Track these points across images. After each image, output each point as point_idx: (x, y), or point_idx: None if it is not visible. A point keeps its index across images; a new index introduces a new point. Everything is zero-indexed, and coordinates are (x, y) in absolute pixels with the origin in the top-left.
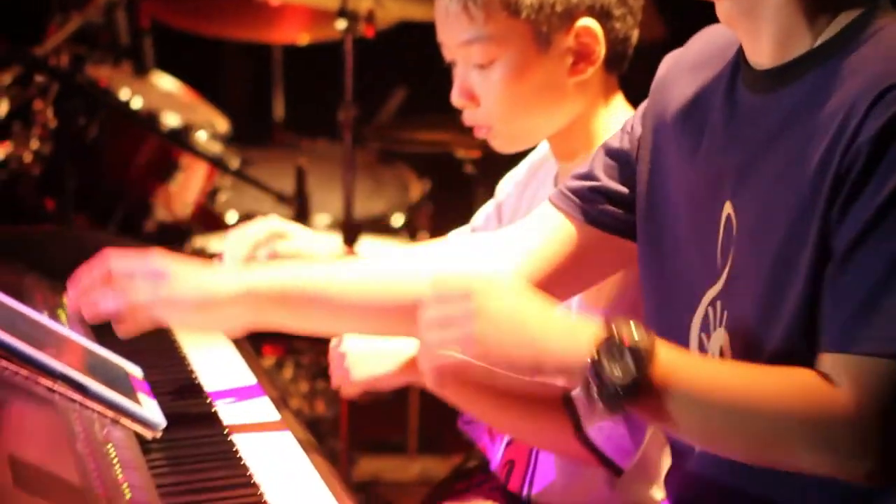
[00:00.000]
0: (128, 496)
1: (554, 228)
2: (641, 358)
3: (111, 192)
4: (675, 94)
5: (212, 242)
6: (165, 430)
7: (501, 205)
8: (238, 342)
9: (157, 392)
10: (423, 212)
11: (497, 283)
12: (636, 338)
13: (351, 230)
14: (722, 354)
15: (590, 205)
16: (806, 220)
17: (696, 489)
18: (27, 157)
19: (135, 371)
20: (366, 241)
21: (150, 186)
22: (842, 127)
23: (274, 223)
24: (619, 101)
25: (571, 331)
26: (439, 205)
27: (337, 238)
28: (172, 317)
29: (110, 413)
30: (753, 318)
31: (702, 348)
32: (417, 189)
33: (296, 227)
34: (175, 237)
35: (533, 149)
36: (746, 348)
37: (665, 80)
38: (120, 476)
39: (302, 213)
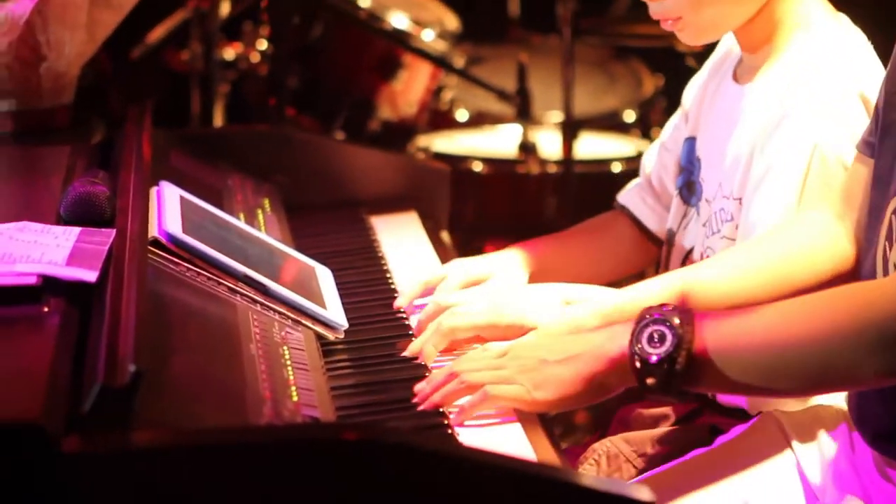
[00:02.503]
0: (294, 398)
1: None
2: (678, 334)
3: (335, 91)
4: None
5: (436, 141)
6: (351, 332)
7: (687, 112)
8: (439, 242)
9: (347, 293)
10: (657, 107)
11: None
12: (670, 316)
13: (570, 127)
14: None
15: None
16: None
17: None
18: (255, 58)
19: (324, 272)
20: (587, 139)
21: (373, 85)
22: None
23: (460, 272)
24: None
25: (610, 331)
26: (672, 100)
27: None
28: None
29: (292, 314)
30: None
31: (885, 260)
32: (650, 84)
33: (485, 263)
34: (399, 136)
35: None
36: None
37: None
38: (291, 378)
39: (523, 111)
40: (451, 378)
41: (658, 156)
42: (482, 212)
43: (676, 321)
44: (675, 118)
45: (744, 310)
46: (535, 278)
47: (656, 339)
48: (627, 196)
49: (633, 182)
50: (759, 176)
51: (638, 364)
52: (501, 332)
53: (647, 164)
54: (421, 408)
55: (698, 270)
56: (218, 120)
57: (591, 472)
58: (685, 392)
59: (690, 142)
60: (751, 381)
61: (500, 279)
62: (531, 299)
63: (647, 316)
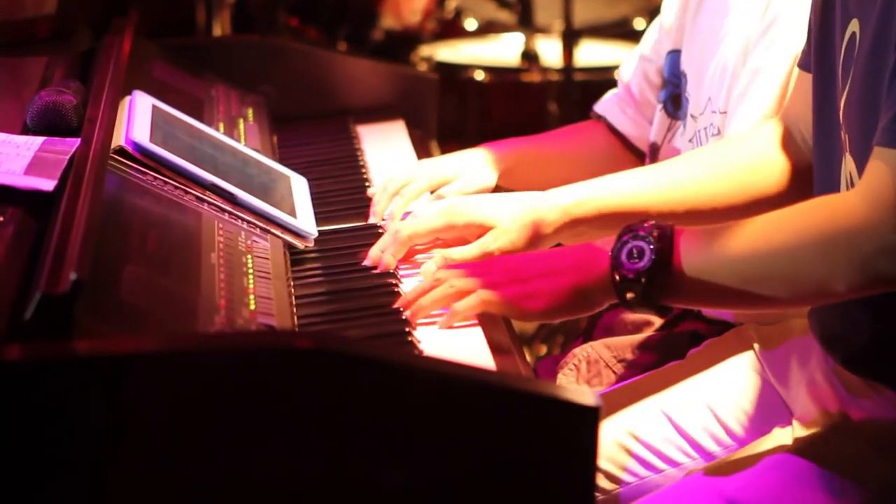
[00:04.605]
0: (252, 307)
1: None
2: (656, 249)
3: (339, 1)
4: None
5: (440, 51)
6: (321, 240)
7: (670, 24)
8: (425, 150)
9: (323, 202)
10: None
11: None
12: (649, 232)
13: (570, 35)
14: (851, 183)
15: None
16: None
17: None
18: None
19: (300, 181)
20: (595, 47)
21: None
22: None
23: (427, 173)
24: None
25: (595, 247)
26: None
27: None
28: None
29: (260, 223)
30: (870, 139)
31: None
32: None
33: (453, 163)
34: (403, 46)
35: None
36: None
37: None
38: (250, 286)
39: (524, 19)
40: (438, 284)
41: (638, 66)
42: (484, 120)
43: (655, 237)
44: (653, 29)
45: (720, 226)
46: (504, 179)
47: (635, 255)
48: (605, 106)
49: (611, 92)
50: (744, 87)
51: (618, 278)
52: (459, 231)
53: (624, 75)
54: (407, 313)
55: (660, 170)
56: (221, 31)
57: (571, 377)
58: (666, 306)
59: (674, 55)
60: (727, 294)
61: (468, 180)
62: (488, 198)
63: (629, 232)
